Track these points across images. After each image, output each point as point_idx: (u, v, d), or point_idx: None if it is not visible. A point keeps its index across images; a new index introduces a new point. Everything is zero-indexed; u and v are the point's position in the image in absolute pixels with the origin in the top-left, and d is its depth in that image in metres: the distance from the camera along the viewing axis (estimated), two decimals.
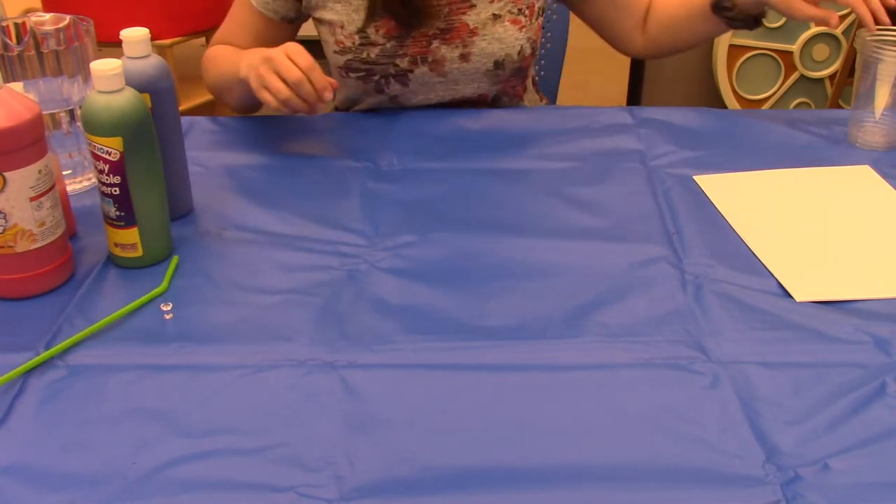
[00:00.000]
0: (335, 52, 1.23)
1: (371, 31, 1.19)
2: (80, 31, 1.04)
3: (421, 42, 1.20)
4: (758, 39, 2.74)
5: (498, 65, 1.24)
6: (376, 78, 1.23)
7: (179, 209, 1.01)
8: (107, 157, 0.86)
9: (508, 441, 0.70)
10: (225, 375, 0.77)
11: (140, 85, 0.90)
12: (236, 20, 1.29)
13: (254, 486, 0.65)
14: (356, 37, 1.20)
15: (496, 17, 1.20)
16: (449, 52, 1.21)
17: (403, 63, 1.21)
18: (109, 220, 0.90)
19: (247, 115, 1.28)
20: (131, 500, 0.64)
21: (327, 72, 1.34)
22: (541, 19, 1.28)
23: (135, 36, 0.92)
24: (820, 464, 0.68)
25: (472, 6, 1.20)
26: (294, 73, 1.02)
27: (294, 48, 1.04)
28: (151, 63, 0.93)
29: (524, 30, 1.23)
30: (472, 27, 1.20)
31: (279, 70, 1.03)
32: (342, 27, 1.20)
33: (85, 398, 0.74)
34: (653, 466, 0.68)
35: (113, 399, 0.74)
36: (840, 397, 0.74)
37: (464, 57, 1.22)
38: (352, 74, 1.23)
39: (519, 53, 1.24)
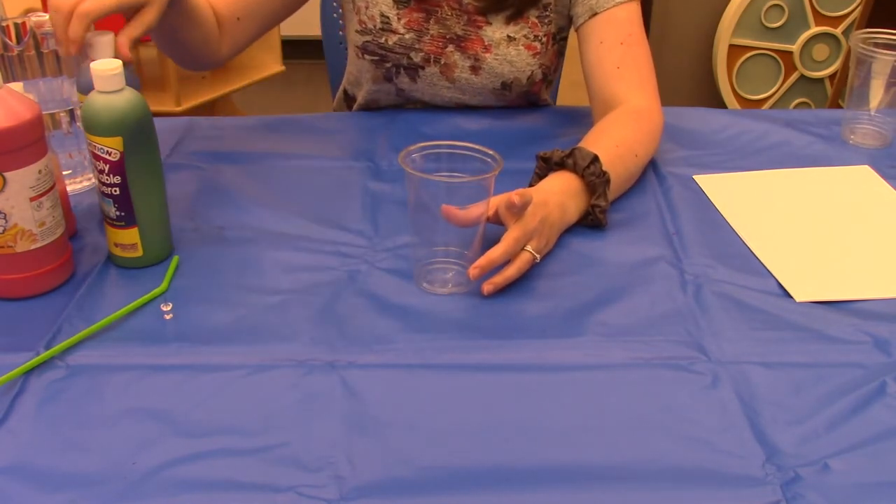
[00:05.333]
0: (357, 31, 1.23)
1: (393, 18, 1.19)
2: None
3: (438, 42, 1.20)
4: (758, 39, 2.74)
5: (505, 86, 1.23)
6: (388, 65, 1.23)
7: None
8: (107, 157, 0.86)
9: (508, 441, 0.70)
10: (225, 375, 0.77)
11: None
12: None
13: (254, 486, 0.65)
14: (378, 20, 1.19)
15: (511, 39, 1.19)
16: (461, 61, 1.21)
17: (417, 58, 1.21)
18: (109, 220, 0.90)
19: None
20: (131, 500, 0.64)
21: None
22: (556, 46, 1.27)
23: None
24: (820, 464, 0.68)
25: (489, 23, 1.20)
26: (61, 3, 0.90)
27: None
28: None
29: (538, 56, 1.22)
30: (486, 43, 1.19)
31: None
32: (366, 7, 1.20)
33: (85, 398, 0.74)
34: (653, 466, 0.68)
35: (113, 399, 0.74)
36: (840, 397, 0.74)
37: (474, 70, 1.22)
38: (367, 56, 1.23)
39: (528, 78, 1.23)
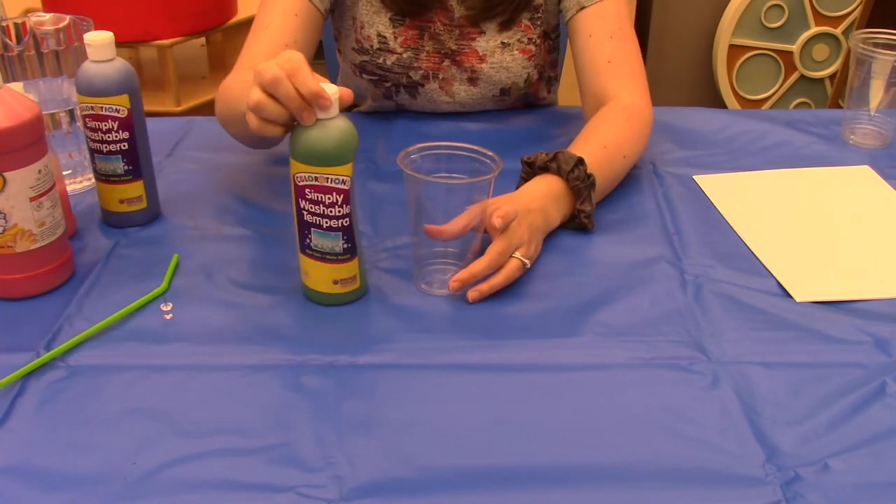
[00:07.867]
0: (353, 49, 1.22)
1: (390, 37, 1.19)
2: (80, 31, 1.04)
3: (434, 58, 1.20)
4: (758, 39, 2.74)
5: (504, 91, 1.23)
6: (388, 85, 1.23)
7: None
8: (341, 186, 0.81)
9: (508, 441, 0.70)
10: (225, 375, 0.77)
11: (108, 87, 0.91)
12: (272, 24, 1.12)
13: (254, 486, 0.65)
14: (375, 40, 1.19)
15: (505, 45, 1.19)
16: (458, 74, 1.21)
17: (416, 76, 1.21)
18: (331, 257, 0.84)
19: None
20: (131, 500, 0.64)
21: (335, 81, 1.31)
22: (548, 42, 1.27)
23: (99, 39, 0.91)
24: (820, 464, 0.68)
25: (482, 33, 1.19)
26: (269, 74, 0.76)
27: (286, 54, 0.79)
28: (116, 66, 0.93)
29: (533, 58, 1.21)
30: (480, 54, 1.19)
31: (259, 76, 0.78)
32: (362, 27, 1.20)
33: (85, 398, 0.74)
34: (653, 466, 0.68)
35: (113, 399, 0.74)
36: (840, 397, 0.74)
37: (471, 81, 1.21)
38: (365, 76, 1.23)
39: (526, 81, 1.23)
